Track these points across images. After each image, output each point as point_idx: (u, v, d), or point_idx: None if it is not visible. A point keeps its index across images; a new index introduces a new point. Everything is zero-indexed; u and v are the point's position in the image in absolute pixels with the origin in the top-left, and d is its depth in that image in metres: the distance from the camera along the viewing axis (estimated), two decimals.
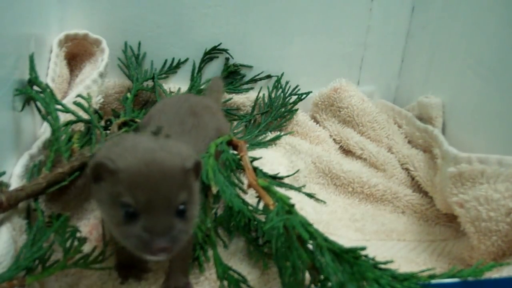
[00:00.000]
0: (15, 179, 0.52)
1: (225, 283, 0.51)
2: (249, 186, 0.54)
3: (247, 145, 0.71)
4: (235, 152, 0.62)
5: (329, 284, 0.42)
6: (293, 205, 0.48)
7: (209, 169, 0.51)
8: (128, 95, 0.81)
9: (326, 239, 0.44)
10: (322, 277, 0.43)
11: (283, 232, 0.45)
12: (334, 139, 0.87)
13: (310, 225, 0.45)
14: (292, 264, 0.44)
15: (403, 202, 0.73)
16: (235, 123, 0.87)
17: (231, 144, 0.61)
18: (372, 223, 0.70)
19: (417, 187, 0.76)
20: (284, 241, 0.45)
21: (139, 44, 0.85)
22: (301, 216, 0.46)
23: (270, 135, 0.86)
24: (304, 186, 0.74)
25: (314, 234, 0.44)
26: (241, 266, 0.57)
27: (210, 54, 0.88)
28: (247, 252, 0.59)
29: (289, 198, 0.49)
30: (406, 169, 0.79)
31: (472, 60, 0.73)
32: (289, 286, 0.44)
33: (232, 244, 0.61)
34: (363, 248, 0.43)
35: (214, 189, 0.50)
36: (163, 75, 0.86)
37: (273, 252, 0.46)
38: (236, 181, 0.56)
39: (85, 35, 0.76)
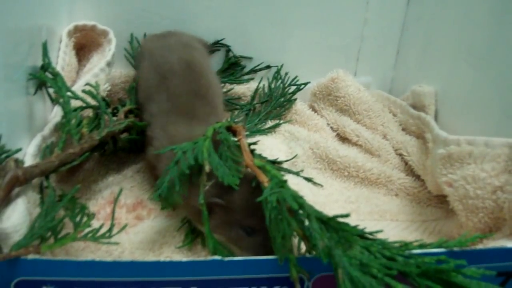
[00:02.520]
0: (28, 158, 0.55)
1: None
2: (246, 166, 0.57)
3: (247, 132, 0.74)
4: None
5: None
6: (285, 181, 0.51)
7: (204, 150, 0.54)
8: (134, 84, 0.84)
9: (313, 209, 0.47)
10: (312, 244, 0.46)
11: (276, 206, 0.48)
12: (331, 127, 0.90)
13: (301, 197, 0.48)
14: (282, 233, 0.47)
15: (397, 185, 0.77)
16: (236, 112, 0.90)
17: (230, 130, 0.63)
18: (366, 205, 0.73)
19: (410, 171, 0.79)
20: (276, 214, 0.48)
21: (145, 35, 0.88)
22: (293, 190, 0.49)
23: (270, 123, 0.89)
24: (302, 170, 0.77)
25: (303, 205, 0.47)
26: None
27: (212, 47, 0.91)
28: None
29: (282, 175, 0.52)
30: (400, 155, 0.82)
31: (463, 50, 0.76)
32: (280, 254, 0.47)
33: None
34: (347, 215, 0.46)
35: (207, 168, 0.53)
36: None
37: (267, 224, 0.49)
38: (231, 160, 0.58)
39: (93, 26, 0.79)
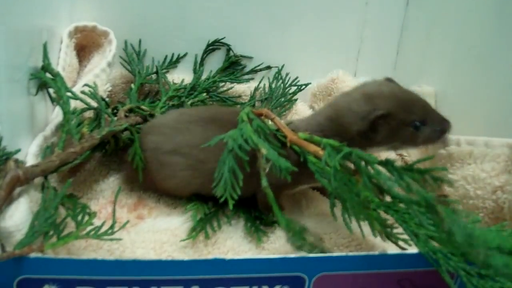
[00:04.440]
0: (30, 157, 0.56)
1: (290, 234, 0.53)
2: (290, 142, 0.57)
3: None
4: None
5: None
6: (343, 144, 0.52)
7: (251, 134, 0.54)
8: (132, 85, 0.84)
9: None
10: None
11: (340, 169, 0.49)
12: None
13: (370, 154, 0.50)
14: (356, 193, 0.47)
15: None
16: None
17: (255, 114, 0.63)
18: None
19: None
20: (341, 177, 0.48)
21: (140, 41, 0.89)
22: (357, 150, 0.50)
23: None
24: None
25: (375, 159, 0.48)
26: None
27: (213, 46, 0.91)
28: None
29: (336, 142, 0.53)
30: (400, 155, 0.82)
31: (463, 51, 0.76)
32: (357, 212, 0.47)
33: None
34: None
35: (264, 150, 0.53)
36: (170, 66, 0.90)
37: (329, 192, 0.50)
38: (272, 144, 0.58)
39: (93, 27, 0.79)
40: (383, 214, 0.51)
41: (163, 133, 0.66)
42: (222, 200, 0.53)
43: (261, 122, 0.58)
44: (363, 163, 0.49)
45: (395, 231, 0.52)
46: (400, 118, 0.59)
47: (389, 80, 0.65)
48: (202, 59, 0.91)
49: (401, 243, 0.52)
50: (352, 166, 0.52)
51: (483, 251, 0.39)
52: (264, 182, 0.52)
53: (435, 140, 0.62)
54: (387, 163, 0.48)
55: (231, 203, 0.53)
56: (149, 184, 0.68)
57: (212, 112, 0.69)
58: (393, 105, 0.59)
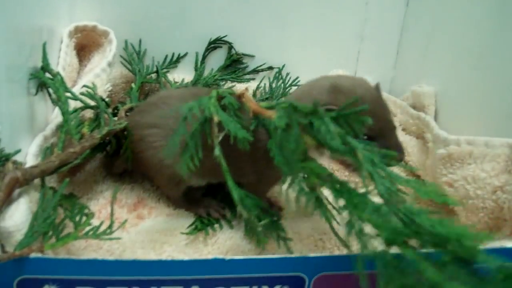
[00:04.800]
0: (30, 158, 0.56)
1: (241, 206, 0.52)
2: (254, 114, 0.55)
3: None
4: None
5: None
6: (296, 106, 0.49)
7: (210, 106, 0.53)
8: (133, 85, 0.84)
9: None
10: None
11: (285, 128, 0.47)
12: None
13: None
14: (295, 145, 0.46)
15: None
16: None
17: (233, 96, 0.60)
18: None
19: (410, 171, 0.80)
20: (285, 135, 0.47)
21: (140, 41, 0.89)
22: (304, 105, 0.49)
23: None
24: None
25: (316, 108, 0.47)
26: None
27: (215, 44, 0.91)
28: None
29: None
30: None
31: (463, 51, 0.76)
32: (292, 166, 0.46)
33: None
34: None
35: (216, 118, 0.51)
36: (170, 66, 0.90)
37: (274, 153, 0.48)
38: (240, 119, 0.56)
39: (93, 26, 0.79)
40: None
41: (143, 110, 0.66)
42: (182, 173, 0.51)
43: (233, 99, 0.56)
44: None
45: None
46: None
47: (376, 86, 0.60)
48: (204, 57, 0.91)
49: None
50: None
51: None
52: (217, 151, 0.51)
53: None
54: (318, 115, 0.46)
55: (184, 172, 0.50)
56: (136, 165, 0.68)
57: (194, 90, 0.70)
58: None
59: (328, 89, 0.55)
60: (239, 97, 0.59)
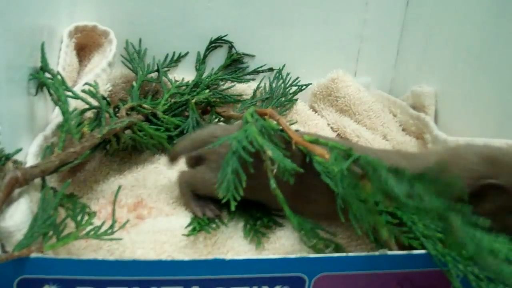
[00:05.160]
0: (30, 157, 0.56)
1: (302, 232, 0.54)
2: (295, 144, 0.56)
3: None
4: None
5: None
6: (350, 149, 0.51)
7: (256, 136, 0.54)
8: (134, 83, 0.84)
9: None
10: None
11: (347, 174, 0.48)
12: (331, 128, 0.90)
13: (378, 160, 0.49)
14: (363, 199, 0.47)
15: None
16: (238, 105, 0.90)
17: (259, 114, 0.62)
18: None
19: None
20: (349, 181, 0.48)
21: (140, 40, 0.89)
22: (365, 155, 0.50)
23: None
24: None
25: (385, 166, 0.47)
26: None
27: (215, 43, 0.91)
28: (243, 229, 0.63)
29: (342, 145, 0.53)
30: None
31: (463, 51, 0.76)
32: (362, 221, 0.47)
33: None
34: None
35: (269, 152, 0.52)
36: (171, 65, 0.90)
37: (337, 196, 0.49)
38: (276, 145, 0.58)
39: (93, 26, 0.79)
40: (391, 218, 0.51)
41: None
42: (225, 200, 0.53)
43: (265, 122, 0.57)
44: (371, 168, 0.49)
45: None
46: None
47: None
48: (204, 57, 0.91)
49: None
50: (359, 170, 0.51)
51: (493, 261, 0.39)
52: (273, 184, 0.52)
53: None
54: (396, 171, 0.47)
55: (233, 205, 0.52)
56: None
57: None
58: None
59: (485, 159, 0.51)
60: (263, 115, 0.60)
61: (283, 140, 0.58)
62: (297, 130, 0.62)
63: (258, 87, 0.92)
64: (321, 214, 0.60)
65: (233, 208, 0.52)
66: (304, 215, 0.56)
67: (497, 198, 0.50)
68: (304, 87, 0.94)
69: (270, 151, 0.53)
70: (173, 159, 0.69)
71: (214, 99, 0.86)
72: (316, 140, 0.55)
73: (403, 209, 0.48)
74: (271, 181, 0.52)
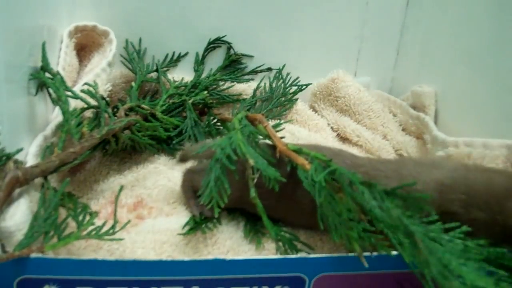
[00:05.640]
0: (30, 157, 0.56)
1: (280, 243, 0.54)
2: (279, 152, 0.56)
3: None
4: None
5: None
6: (330, 160, 0.51)
7: (241, 143, 0.54)
8: (133, 83, 0.84)
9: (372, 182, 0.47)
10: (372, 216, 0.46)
11: (325, 185, 0.48)
12: (331, 127, 0.90)
13: (354, 173, 0.49)
14: (338, 212, 0.47)
15: None
16: (238, 105, 0.90)
17: (249, 120, 0.62)
18: None
19: None
20: (326, 193, 0.48)
21: (140, 40, 0.89)
22: (341, 167, 0.50)
23: (271, 123, 0.89)
24: None
25: (359, 179, 0.48)
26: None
27: (214, 44, 0.91)
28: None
29: (323, 156, 0.52)
30: (400, 155, 0.82)
31: (463, 51, 0.76)
32: (337, 233, 0.47)
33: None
34: (414, 184, 0.47)
35: (251, 161, 0.52)
36: (170, 65, 0.90)
37: (318, 207, 0.49)
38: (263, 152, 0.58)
39: (93, 26, 0.79)
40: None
41: None
42: (208, 207, 0.52)
43: (254, 129, 0.57)
44: (347, 181, 0.49)
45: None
46: None
47: None
48: (203, 57, 0.91)
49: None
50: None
51: (458, 286, 0.39)
52: (253, 193, 0.52)
53: None
54: (370, 185, 0.47)
55: (216, 211, 0.52)
56: None
57: None
58: None
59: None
60: (253, 120, 0.59)
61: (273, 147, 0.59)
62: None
63: (258, 87, 0.92)
64: (305, 222, 0.60)
65: (216, 214, 0.52)
66: (289, 223, 0.57)
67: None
68: (304, 87, 0.94)
69: (252, 159, 0.52)
70: (182, 160, 0.69)
71: (211, 100, 0.86)
72: (299, 150, 0.55)
73: (375, 223, 0.47)
74: (251, 190, 0.52)
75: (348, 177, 0.49)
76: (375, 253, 0.47)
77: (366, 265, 0.46)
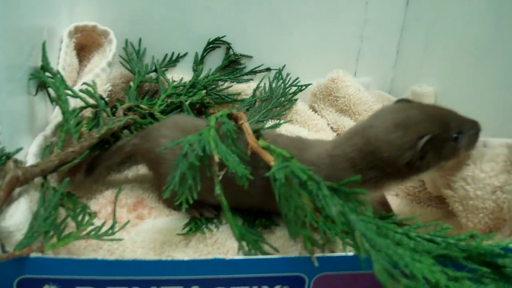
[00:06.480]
0: (30, 157, 0.56)
1: (244, 243, 0.53)
2: (251, 149, 0.56)
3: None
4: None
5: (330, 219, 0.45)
6: (291, 157, 0.51)
7: (210, 140, 0.54)
8: (131, 83, 0.84)
9: (322, 179, 0.48)
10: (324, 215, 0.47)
11: (284, 182, 0.48)
12: (331, 127, 0.90)
13: (308, 169, 0.49)
14: (294, 208, 0.47)
15: None
16: (237, 105, 0.90)
17: (231, 117, 0.62)
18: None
19: None
20: (285, 190, 0.48)
21: (140, 40, 0.89)
22: (300, 164, 0.50)
23: (271, 123, 0.89)
24: None
25: (312, 176, 0.48)
26: None
27: (213, 44, 0.92)
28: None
29: (287, 153, 0.52)
30: None
31: (463, 51, 0.76)
32: (293, 228, 0.47)
33: None
34: (356, 180, 0.47)
35: (217, 157, 0.52)
36: (169, 65, 0.90)
37: (277, 202, 0.49)
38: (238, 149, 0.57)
39: (93, 26, 0.79)
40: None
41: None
42: (177, 203, 0.52)
43: (231, 126, 0.57)
44: (296, 180, 0.49)
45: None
46: (442, 137, 0.57)
47: (405, 101, 0.64)
48: (202, 57, 0.91)
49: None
50: None
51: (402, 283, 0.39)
52: (218, 190, 0.52)
53: (474, 144, 0.61)
54: (318, 182, 0.47)
55: (184, 207, 0.51)
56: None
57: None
58: (432, 126, 0.57)
59: (400, 129, 0.57)
60: (236, 118, 0.59)
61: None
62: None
63: (257, 87, 0.92)
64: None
65: (184, 210, 0.52)
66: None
67: (430, 151, 0.57)
68: (304, 87, 0.94)
69: (217, 156, 0.52)
70: None
71: (208, 100, 0.86)
72: (268, 146, 0.55)
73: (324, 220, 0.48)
74: (216, 187, 0.51)
75: (297, 176, 0.49)
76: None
77: (316, 264, 0.46)
